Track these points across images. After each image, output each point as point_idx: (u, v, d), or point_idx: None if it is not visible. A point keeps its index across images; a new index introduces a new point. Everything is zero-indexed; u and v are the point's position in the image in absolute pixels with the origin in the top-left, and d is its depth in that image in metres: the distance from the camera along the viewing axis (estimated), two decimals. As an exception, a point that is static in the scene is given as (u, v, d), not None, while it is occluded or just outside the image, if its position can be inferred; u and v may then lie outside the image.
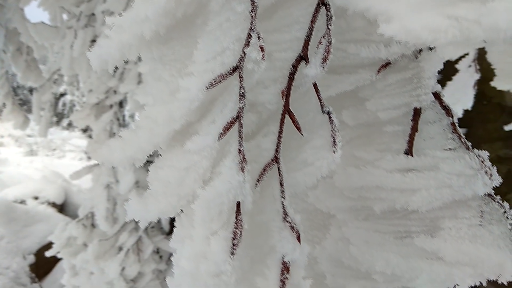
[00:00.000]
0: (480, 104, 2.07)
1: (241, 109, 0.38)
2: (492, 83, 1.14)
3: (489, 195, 0.39)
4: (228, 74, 0.39)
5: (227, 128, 0.37)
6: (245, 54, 0.38)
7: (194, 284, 0.36)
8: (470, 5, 0.29)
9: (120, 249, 2.14)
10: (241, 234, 0.35)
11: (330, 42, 0.39)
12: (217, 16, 0.41)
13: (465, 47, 1.14)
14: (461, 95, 1.26)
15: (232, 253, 0.35)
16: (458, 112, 1.20)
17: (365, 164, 0.43)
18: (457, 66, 1.31)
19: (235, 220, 0.35)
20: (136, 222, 2.23)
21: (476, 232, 0.37)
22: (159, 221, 2.31)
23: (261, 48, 0.38)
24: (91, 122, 2.04)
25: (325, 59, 0.39)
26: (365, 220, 0.43)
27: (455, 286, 0.37)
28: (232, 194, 0.35)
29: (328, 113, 0.39)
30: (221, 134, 0.37)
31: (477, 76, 1.24)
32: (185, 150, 0.40)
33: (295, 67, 0.41)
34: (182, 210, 0.43)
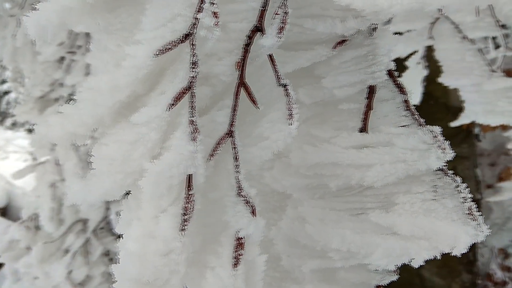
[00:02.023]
0: (428, 104, 2.17)
1: (193, 78, 0.36)
2: (439, 79, 1.19)
3: (442, 170, 0.39)
4: (179, 41, 0.36)
5: (178, 98, 0.35)
6: (197, 21, 0.36)
7: (141, 265, 0.33)
8: (426, -30, 0.29)
9: (67, 251, 2.02)
10: (192, 209, 0.33)
11: (286, 13, 0.38)
12: (167, -19, 0.38)
13: (419, 40, 1.18)
14: (410, 92, 1.30)
15: (183, 230, 0.33)
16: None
17: (321, 142, 0.43)
18: (406, 63, 1.36)
19: (186, 194, 0.33)
20: (84, 223, 2.12)
21: (430, 206, 0.38)
22: (108, 222, 2.21)
23: (215, 14, 0.36)
24: (34, 116, 1.92)
25: (281, 29, 0.37)
26: (321, 198, 0.42)
27: (410, 260, 0.36)
28: (183, 166, 0.32)
29: (284, 86, 0.38)
30: (171, 104, 0.35)
31: (425, 72, 1.29)
32: (132, 122, 0.37)
33: (250, 38, 0.39)
34: (128, 193, 0.40)
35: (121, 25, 0.41)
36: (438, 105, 2.26)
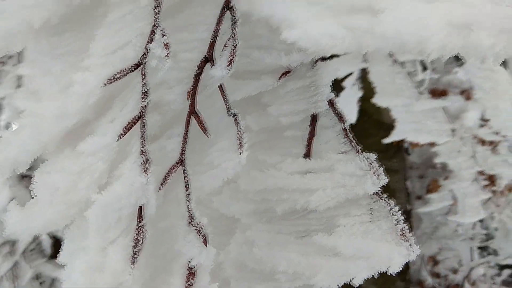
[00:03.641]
0: (362, 120, 2.30)
1: (144, 108, 0.36)
2: (373, 100, 1.28)
3: (377, 193, 0.43)
4: (130, 70, 0.37)
5: (128, 128, 0.35)
6: (148, 51, 0.37)
7: (88, 300, 0.32)
8: (363, 16, 0.32)
9: (-9, 276, 1.85)
10: (143, 241, 0.33)
11: (235, 45, 0.40)
12: (118, 8, 0.38)
13: (354, 64, 1.26)
14: (347, 111, 1.38)
15: (133, 262, 0.33)
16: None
17: (268, 167, 0.45)
18: (343, 84, 1.44)
19: (137, 226, 0.33)
20: (12, 245, 1.96)
21: (367, 228, 0.41)
22: (39, 243, 2.07)
23: (166, 46, 0.37)
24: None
25: (230, 61, 0.39)
26: (268, 222, 0.44)
27: (351, 280, 0.39)
28: (133, 197, 0.32)
29: (234, 115, 0.39)
30: (121, 133, 0.35)
31: (360, 93, 1.38)
32: (78, 151, 0.36)
33: (200, 68, 0.40)
34: (72, 221, 0.39)
35: (67, 49, 0.40)
36: (371, 122, 2.40)
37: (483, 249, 2.73)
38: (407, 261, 0.39)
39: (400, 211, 0.41)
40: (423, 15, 0.29)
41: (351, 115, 1.36)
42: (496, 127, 1.00)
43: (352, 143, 0.46)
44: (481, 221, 2.40)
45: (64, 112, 0.35)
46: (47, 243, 2.18)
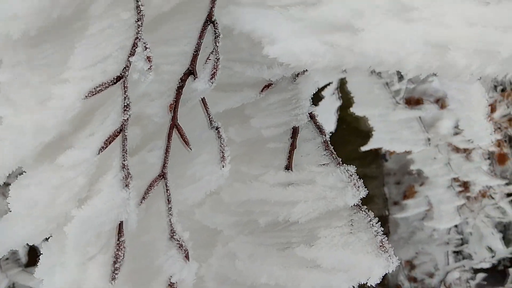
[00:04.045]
0: (341, 128, 2.34)
1: (125, 121, 0.36)
2: (351, 109, 1.30)
3: (357, 205, 0.43)
4: (111, 83, 0.36)
5: (109, 142, 0.35)
6: (130, 64, 0.37)
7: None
8: (344, 34, 0.33)
9: (-40, 289, 1.78)
10: (123, 257, 0.33)
11: (218, 59, 0.40)
12: (99, 21, 0.38)
13: (333, 75, 1.28)
14: (326, 119, 1.40)
15: (113, 279, 0.32)
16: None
17: (250, 179, 0.45)
18: (322, 93, 1.47)
19: (117, 241, 0.33)
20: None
21: (348, 239, 0.41)
22: (14, 252, 2.00)
23: (148, 59, 0.37)
24: None
25: (213, 75, 0.39)
26: (250, 234, 0.44)
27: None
28: (114, 213, 0.32)
29: (217, 128, 0.39)
30: (102, 147, 0.35)
31: (338, 103, 1.40)
32: (57, 165, 0.35)
33: (183, 80, 0.40)
34: (51, 235, 0.38)
35: (46, 61, 0.40)
36: (349, 129, 2.44)
37: (458, 253, 2.80)
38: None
39: (378, 221, 0.42)
40: (401, 35, 0.30)
41: (330, 124, 1.38)
42: (469, 137, 1.04)
43: (333, 155, 0.46)
44: (456, 226, 2.47)
45: (42, 127, 0.34)
46: (22, 252, 2.11)
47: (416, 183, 2.50)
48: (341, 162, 0.46)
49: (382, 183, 2.76)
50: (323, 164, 0.46)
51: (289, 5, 0.38)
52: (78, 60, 0.37)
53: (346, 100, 1.60)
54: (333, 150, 0.47)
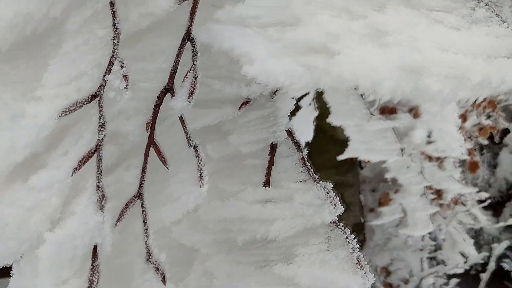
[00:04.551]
0: (318, 137, 2.37)
1: (100, 141, 0.35)
2: (328, 119, 1.32)
3: (334, 222, 0.44)
4: (86, 101, 0.36)
5: (83, 162, 0.34)
6: (105, 82, 0.36)
7: None
8: (321, 56, 0.34)
9: None
10: (97, 282, 0.32)
11: (196, 77, 0.40)
12: (73, 38, 0.37)
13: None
14: (303, 129, 1.41)
15: (87, 303, 0.31)
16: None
17: (228, 196, 0.45)
18: (300, 103, 1.48)
19: (91, 266, 0.32)
20: None
21: (325, 256, 0.42)
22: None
23: (125, 77, 0.36)
24: None
25: (191, 93, 0.39)
26: (228, 252, 0.44)
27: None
28: (88, 237, 0.31)
29: (195, 147, 0.39)
30: (76, 168, 0.34)
31: (316, 113, 1.42)
32: (30, 186, 0.34)
33: (160, 98, 0.40)
34: (21, 257, 0.37)
35: (18, 77, 0.39)
36: (326, 138, 2.46)
37: (432, 259, 2.86)
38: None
39: (354, 238, 0.42)
40: (376, 60, 0.31)
41: (308, 134, 1.39)
42: (441, 149, 1.07)
43: (310, 172, 0.47)
44: (429, 232, 2.52)
45: (14, 146, 0.33)
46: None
47: (391, 191, 2.54)
48: (318, 179, 0.46)
49: (358, 191, 2.80)
50: (301, 181, 0.46)
51: (267, 25, 0.39)
52: (52, 77, 0.36)
53: (324, 109, 1.63)
54: (310, 167, 0.47)
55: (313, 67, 0.34)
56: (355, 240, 0.43)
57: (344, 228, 0.44)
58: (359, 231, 2.96)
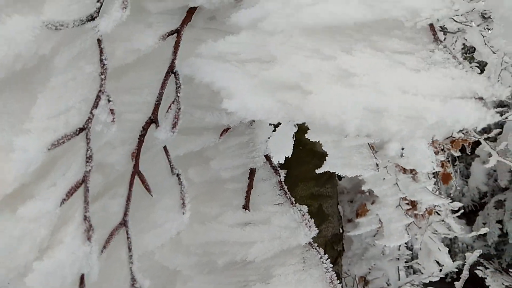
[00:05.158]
0: (298, 149, 2.41)
1: (87, 173, 0.37)
2: (306, 135, 1.35)
3: (309, 243, 0.47)
4: (73, 134, 0.37)
5: (71, 193, 0.36)
6: (93, 116, 0.38)
7: None
8: (295, 94, 0.37)
9: None
10: (85, 306, 0.34)
11: (179, 109, 0.42)
12: (62, 73, 0.39)
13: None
14: (283, 145, 1.44)
15: (75, 329, 0.33)
16: (281, 159, 1.37)
17: (210, 219, 0.47)
18: (279, 118, 1.51)
19: (79, 292, 0.34)
20: None
21: (300, 276, 0.44)
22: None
23: (111, 111, 0.38)
24: None
25: (175, 124, 0.41)
26: (209, 274, 0.46)
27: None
28: (76, 266, 0.33)
29: (178, 175, 0.41)
30: (64, 199, 0.36)
31: (295, 129, 1.45)
32: (18, 216, 0.36)
33: (145, 129, 0.42)
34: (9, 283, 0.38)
35: (7, 109, 0.40)
36: (306, 151, 2.51)
37: (408, 268, 2.93)
38: (340, 278, 0.43)
39: (328, 258, 0.45)
40: (344, 100, 0.34)
41: (288, 150, 1.42)
42: (413, 165, 1.12)
43: (287, 195, 0.50)
44: (406, 242, 2.58)
45: (4, 179, 0.35)
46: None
47: (368, 201, 2.60)
48: (294, 202, 0.49)
49: (337, 202, 2.85)
50: (278, 204, 0.49)
51: (246, 60, 0.41)
52: (40, 110, 0.38)
53: (303, 123, 1.66)
54: (287, 190, 0.50)
55: (287, 104, 0.37)
56: (328, 260, 0.46)
57: (318, 248, 0.46)
58: (338, 241, 3.01)
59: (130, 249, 0.37)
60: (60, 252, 0.34)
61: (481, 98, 0.33)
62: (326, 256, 0.46)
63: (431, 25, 0.37)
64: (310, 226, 0.46)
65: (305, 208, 0.48)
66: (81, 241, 0.34)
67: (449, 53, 0.38)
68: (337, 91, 0.34)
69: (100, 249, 0.36)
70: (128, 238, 0.38)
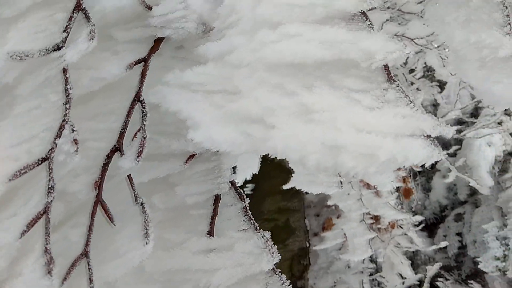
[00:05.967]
0: (266, 164, 2.43)
1: (49, 203, 0.37)
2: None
3: (272, 269, 0.48)
4: (36, 164, 0.37)
5: (32, 224, 0.35)
6: (56, 146, 0.38)
7: None
8: (259, 127, 0.38)
9: None
10: None
11: (145, 137, 0.43)
12: (26, 101, 0.39)
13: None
14: (250, 162, 1.46)
15: None
16: (248, 176, 1.39)
17: (173, 246, 0.47)
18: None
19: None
20: None
21: (263, 302, 0.45)
22: None
23: (75, 141, 0.38)
24: None
25: (140, 153, 0.42)
26: (172, 301, 0.46)
27: None
28: (36, 299, 0.33)
29: (142, 204, 0.41)
30: (25, 231, 0.35)
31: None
32: (-25, 248, 0.35)
33: (109, 157, 0.42)
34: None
35: (-35, 136, 0.39)
36: (274, 165, 2.53)
37: (372, 281, 2.99)
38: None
39: (290, 284, 0.46)
40: (304, 136, 0.35)
41: (254, 167, 1.44)
42: (374, 184, 1.16)
43: (251, 221, 0.51)
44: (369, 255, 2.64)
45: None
46: None
47: (334, 216, 2.66)
48: (258, 228, 0.50)
49: (304, 216, 2.89)
50: (243, 230, 0.50)
51: (213, 91, 0.43)
52: (2, 138, 0.37)
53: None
54: (251, 216, 0.51)
55: (252, 136, 0.38)
56: (290, 285, 0.47)
57: (281, 273, 0.48)
58: (304, 255, 3.04)
59: (91, 280, 0.37)
60: (19, 285, 0.33)
61: (429, 136, 0.36)
62: (288, 282, 0.47)
63: (386, 66, 0.39)
64: (273, 253, 0.47)
65: (268, 234, 0.49)
66: (41, 274, 0.33)
67: (402, 91, 0.41)
68: (297, 127, 0.36)
69: (60, 281, 0.36)
70: (89, 269, 0.37)
